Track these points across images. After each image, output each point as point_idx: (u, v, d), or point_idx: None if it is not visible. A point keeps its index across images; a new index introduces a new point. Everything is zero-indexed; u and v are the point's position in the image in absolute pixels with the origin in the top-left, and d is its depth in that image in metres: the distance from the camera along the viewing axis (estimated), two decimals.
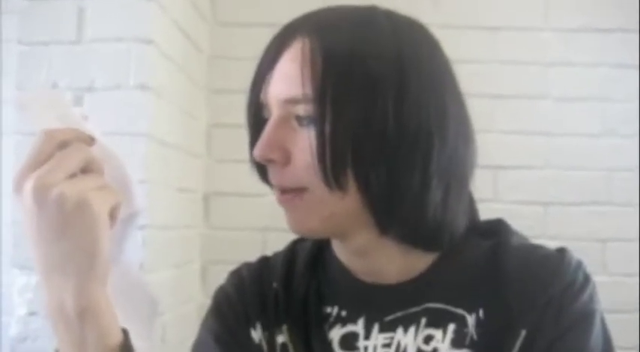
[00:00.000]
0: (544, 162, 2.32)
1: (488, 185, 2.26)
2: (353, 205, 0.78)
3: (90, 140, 0.70)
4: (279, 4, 1.83)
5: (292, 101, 0.77)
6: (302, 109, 0.77)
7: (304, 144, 0.77)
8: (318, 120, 0.76)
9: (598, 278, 0.83)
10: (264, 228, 2.26)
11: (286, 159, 0.78)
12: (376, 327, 0.84)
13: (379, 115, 0.75)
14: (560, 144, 2.32)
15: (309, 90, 0.75)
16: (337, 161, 0.75)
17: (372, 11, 0.82)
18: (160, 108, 1.84)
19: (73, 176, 0.67)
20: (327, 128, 0.75)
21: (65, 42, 1.73)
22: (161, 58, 1.82)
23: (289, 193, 0.80)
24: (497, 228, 0.87)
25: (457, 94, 0.82)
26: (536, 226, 2.24)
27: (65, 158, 0.66)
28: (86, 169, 0.68)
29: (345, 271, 0.88)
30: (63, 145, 0.67)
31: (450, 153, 0.78)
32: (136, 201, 0.76)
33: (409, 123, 0.76)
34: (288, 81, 0.77)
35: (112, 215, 0.69)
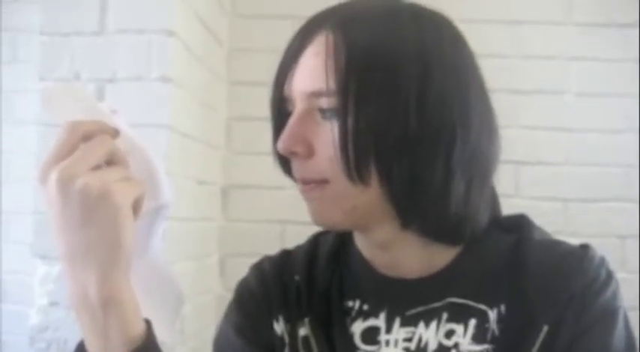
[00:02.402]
0: (565, 158, 2.31)
1: (509, 180, 2.25)
2: (375, 198, 0.78)
3: (114, 132, 0.70)
4: None
5: (316, 94, 0.77)
6: (325, 102, 0.77)
7: (327, 137, 0.77)
8: (341, 113, 0.76)
9: (617, 275, 0.82)
10: (283, 221, 2.26)
11: (309, 152, 0.78)
12: (397, 321, 0.84)
13: (402, 109, 0.75)
14: (581, 140, 2.30)
15: (332, 84, 0.76)
16: (360, 154, 0.75)
17: (395, 4, 0.81)
18: (181, 100, 1.84)
19: (97, 168, 0.67)
20: (350, 121, 0.75)
21: (87, 33, 1.74)
22: (182, 50, 1.83)
23: (310, 184, 0.80)
24: (520, 223, 0.87)
25: (481, 88, 0.82)
26: (556, 222, 2.22)
27: (89, 150, 0.67)
28: (110, 161, 0.69)
29: (367, 265, 0.88)
30: (87, 137, 0.68)
31: (473, 147, 0.78)
32: (163, 193, 0.76)
33: (432, 117, 0.76)
34: (312, 74, 0.77)
35: (136, 207, 0.70)
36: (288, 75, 0.80)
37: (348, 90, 0.75)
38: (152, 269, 0.79)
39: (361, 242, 0.89)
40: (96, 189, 0.65)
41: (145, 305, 0.73)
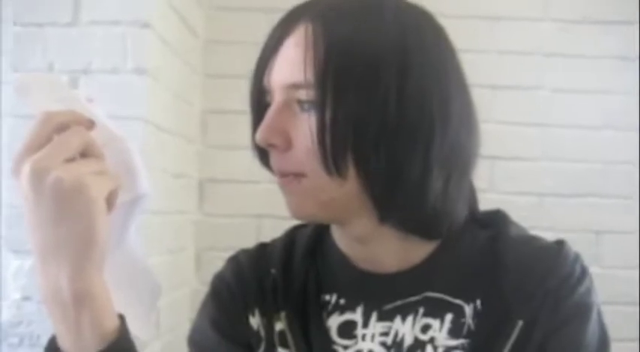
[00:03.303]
0: (540, 154, 2.32)
1: (484, 175, 2.25)
2: (352, 191, 0.77)
3: (89, 123, 0.69)
4: None
5: (294, 86, 0.77)
6: (304, 94, 0.76)
7: (305, 129, 0.76)
8: (319, 105, 0.75)
9: (591, 270, 0.83)
10: (259, 215, 2.25)
11: (287, 144, 0.78)
12: (374, 316, 0.84)
13: (380, 102, 0.74)
14: (557, 136, 2.32)
15: (310, 76, 0.75)
16: (337, 147, 0.75)
17: None
18: (156, 93, 1.83)
19: (71, 160, 0.66)
20: (328, 114, 0.74)
21: (61, 24, 1.71)
22: (157, 42, 1.81)
23: (288, 176, 0.80)
24: (496, 219, 0.87)
25: (461, 83, 0.82)
26: (530, 217, 2.22)
27: (63, 142, 0.66)
28: (85, 153, 0.68)
29: (344, 259, 0.88)
30: (61, 128, 0.67)
31: (452, 141, 0.78)
32: (140, 184, 0.75)
33: (411, 111, 0.75)
34: (291, 66, 0.76)
35: (110, 200, 0.69)
36: (268, 66, 0.79)
37: (326, 82, 0.74)
38: (127, 261, 0.78)
39: (339, 236, 0.88)
40: (69, 182, 0.64)
41: (120, 299, 0.72)
